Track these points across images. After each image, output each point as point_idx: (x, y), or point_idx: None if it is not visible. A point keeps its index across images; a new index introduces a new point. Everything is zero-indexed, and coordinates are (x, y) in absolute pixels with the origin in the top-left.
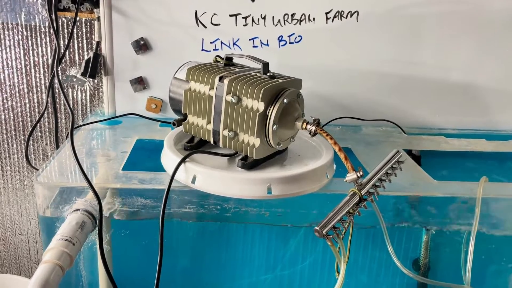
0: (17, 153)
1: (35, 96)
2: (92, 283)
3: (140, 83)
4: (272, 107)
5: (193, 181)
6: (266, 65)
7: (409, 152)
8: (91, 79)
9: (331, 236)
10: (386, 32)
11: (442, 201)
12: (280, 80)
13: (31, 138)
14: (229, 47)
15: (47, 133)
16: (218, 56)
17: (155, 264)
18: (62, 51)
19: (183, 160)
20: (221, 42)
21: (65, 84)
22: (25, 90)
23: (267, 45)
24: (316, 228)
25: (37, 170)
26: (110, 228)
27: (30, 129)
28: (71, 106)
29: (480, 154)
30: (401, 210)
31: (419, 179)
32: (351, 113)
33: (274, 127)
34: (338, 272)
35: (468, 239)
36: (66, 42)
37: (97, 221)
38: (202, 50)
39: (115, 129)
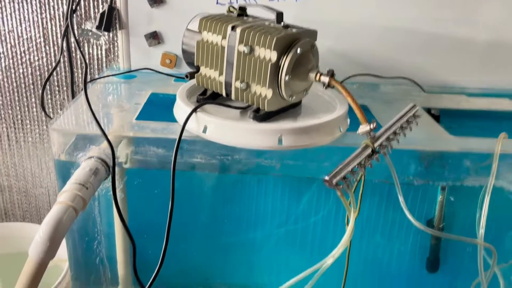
0: (35, 107)
1: (51, 50)
2: (108, 232)
3: (154, 37)
4: (285, 57)
5: (204, 131)
6: (280, 15)
7: (428, 111)
8: (106, 33)
9: (341, 187)
10: None
11: (458, 157)
12: (294, 30)
13: (49, 92)
14: (245, 0)
15: (64, 88)
16: (231, 6)
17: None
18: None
19: (195, 110)
20: None
21: (80, 38)
22: (42, 43)
23: None
24: (326, 177)
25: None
26: (124, 177)
27: (49, 86)
28: (87, 61)
29: (502, 114)
30: (415, 165)
31: (435, 134)
32: (369, 71)
33: (287, 77)
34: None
35: (484, 197)
36: None
37: (110, 169)
38: (217, 3)
39: (129, 83)
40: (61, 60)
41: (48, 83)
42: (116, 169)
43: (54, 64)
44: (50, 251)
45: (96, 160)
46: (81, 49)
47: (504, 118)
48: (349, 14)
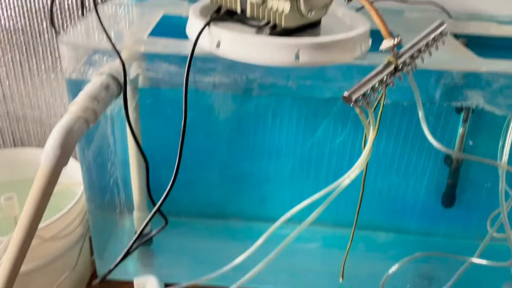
0: (47, 33)
1: None
2: (122, 154)
3: None
4: None
5: (218, 45)
6: None
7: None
8: None
9: (360, 103)
10: None
11: (485, 79)
12: None
13: (59, 13)
14: None
15: (75, 11)
16: None
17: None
18: None
19: (208, 23)
20: None
21: None
22: None
23: None
24: (345, 93)
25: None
26: (136, 95)
27: (59, 5)
28: None
29: None
30: (440, 86)
31: (462, 55)
32: None
33: None
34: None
35: (509, 124)
36: None
37: (122, 85)
38: None
39: (142, 4)
40: None
41: (59, 4)
42: (128, 87)
43: None
44: (61, 157)
45: (107, 76)
46: None
47: None
48: None
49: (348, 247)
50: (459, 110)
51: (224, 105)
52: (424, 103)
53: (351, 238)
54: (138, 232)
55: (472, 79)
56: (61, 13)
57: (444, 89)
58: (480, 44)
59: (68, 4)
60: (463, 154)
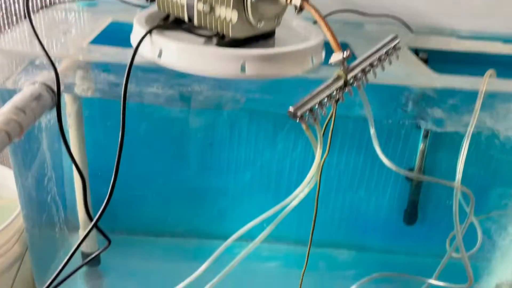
0: None
1: None
2: (60, 166)
3: None
4: None
5: (160, 55)
6: None
7: (415, 53)
8: None
9: (306, 119)
10: None
11: (441, 95)
12: None
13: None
14: None
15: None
16: None
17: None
18: None
19: (150, 31)
20: None
21: None
22: None
23: None
24: (290, 109)
25: None
26: (77, 105)
27: (5, 10)
28: None
29: (494, 58)
30: (394, 102)
31: (417, 70)
32: (353, 7)
33: None
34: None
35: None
36: None
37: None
38: None
39: (90, 10)
40: None
41: (5, 9)
42: (68, 97)
43: None
44: None
45: (40, 85)
46: None
47: (497, 62)
48: None
49: (304, 266)
50: (419, 126)
51: (177, 117)
52: (380, 119)
53: (307, 257)
54: (71, 251)
55: (427, 95)
56: (7, 18)
57: (400, 104)
58: (440, 59)
59: (14, 9)
60: (419, 176)
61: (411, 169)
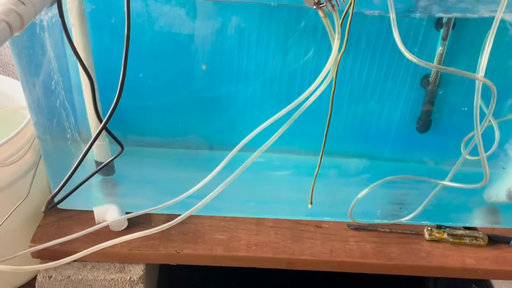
0: None
1: None
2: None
3: None
4: None
5: None
6: None
7: None
8: None
9: (323, 5)
10: None
11: None
12: None
13: None
14: None
15: None
16: None
17: None
18: None
19: None
20: None
21: None
22: None
23: None
24: None
25: None
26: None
27: None
28: None
29: None
30: None
31: None
32: None
33: None
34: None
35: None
36: None
37: None
38: None
39: None
40: None
41: None
42: None
43: None
44: None
45: None
46: None
47: None
48: None
49: (316, 172)
50: (438, 26)
51: (184, 22)
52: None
53: (319, 162)
54: (80, 157)
55: None
56: None
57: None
58: None
59: None
60: (440, 67)
61: (427, 75)
